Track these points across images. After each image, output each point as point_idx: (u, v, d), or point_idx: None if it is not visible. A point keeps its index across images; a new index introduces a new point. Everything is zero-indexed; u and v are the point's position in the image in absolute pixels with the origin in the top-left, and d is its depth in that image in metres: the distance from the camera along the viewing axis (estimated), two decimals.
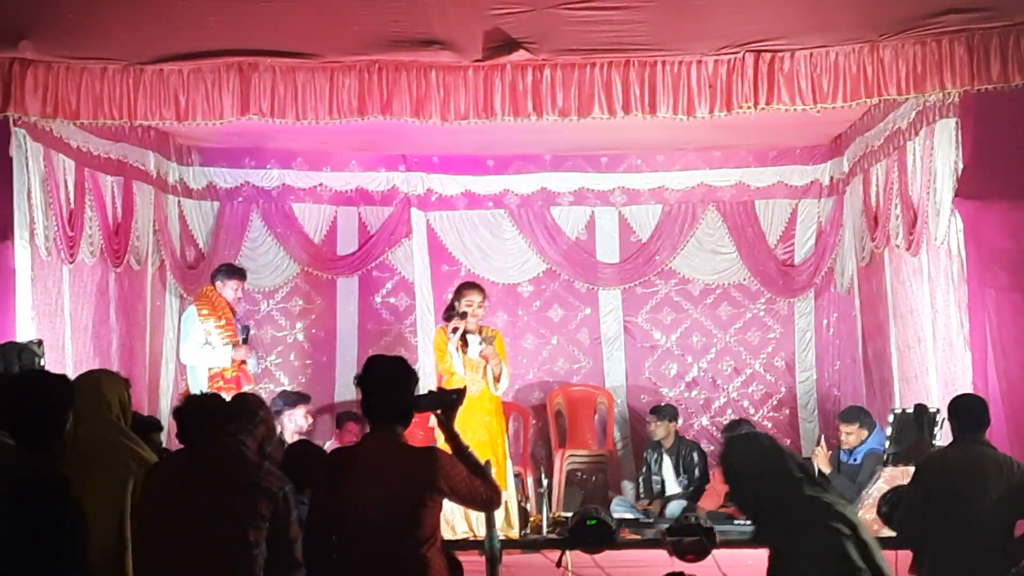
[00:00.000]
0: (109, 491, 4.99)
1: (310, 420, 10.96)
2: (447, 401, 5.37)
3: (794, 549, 4.67)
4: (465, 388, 5.77)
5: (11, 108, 8.45)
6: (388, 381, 5.16)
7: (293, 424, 10.77)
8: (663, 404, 11.68)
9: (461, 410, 9.70)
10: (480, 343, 9.61)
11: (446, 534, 9.15)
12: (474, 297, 9.71)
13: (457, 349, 9.60)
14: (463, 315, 9.64)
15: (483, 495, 5.15)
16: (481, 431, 9.55)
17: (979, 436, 6.93)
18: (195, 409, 5.04)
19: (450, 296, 10.01)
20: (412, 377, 5.23)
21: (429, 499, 4.97)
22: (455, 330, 9.60)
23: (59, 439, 4.48)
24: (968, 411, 6.99)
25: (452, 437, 5.29)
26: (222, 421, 4.75)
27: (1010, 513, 6.71)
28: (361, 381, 5.20)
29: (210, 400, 5.35)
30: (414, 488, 4.94)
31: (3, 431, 5.68)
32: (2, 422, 4.60)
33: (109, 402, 5.36)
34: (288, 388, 12.06)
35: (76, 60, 8.51)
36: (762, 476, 4.80)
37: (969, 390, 8.54)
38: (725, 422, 12.26)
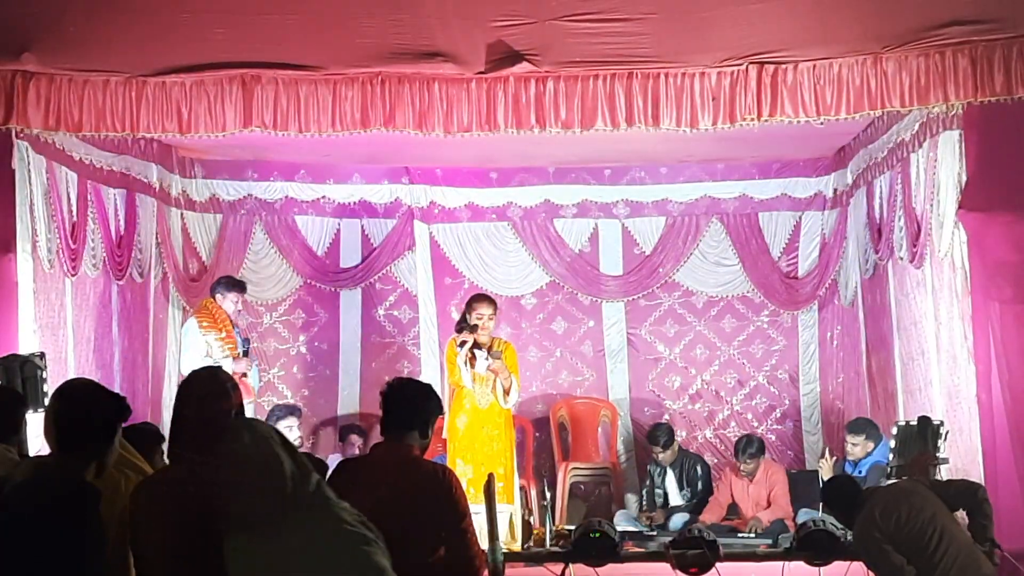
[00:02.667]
0: (113, 502, 4.96)
1: (298, 433, 10.90)
2: None
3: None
4: None
5: (14, 120, 8.42)
6: (412, 398, 5.16)
7: None
8: (656, 428, 11.46)
9: (469, 423, 9.77)
10: (487, 358, 9.60)
11: None
12: (484, 310, 9.70)
13: (466, 363, 9.60)
14: (473, 328, 9.63)
15: (474, 548, 5.08)
16: (489, 444, 9.55)
17: (868, 493, 7.27)
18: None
19: (454, 308, 10.00)
20: (436, 402, 5.22)
21: (438, 510, 4.95)
22: (463, 343, 9.60)
23: (106, 451, 4.46)
24: (842, 492, 7.39)
25: None
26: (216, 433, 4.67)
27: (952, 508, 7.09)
28: (385, 396, 5.19)
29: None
30: (425, 498, 4.92)
31: (7, 444, 5.67)
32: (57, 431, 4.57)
33: None
34: (287, 401, 12.05)
35: (79, 72, 8.49)
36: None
37: (973, 402, 8.55)
38: (729, 435, 12.25)
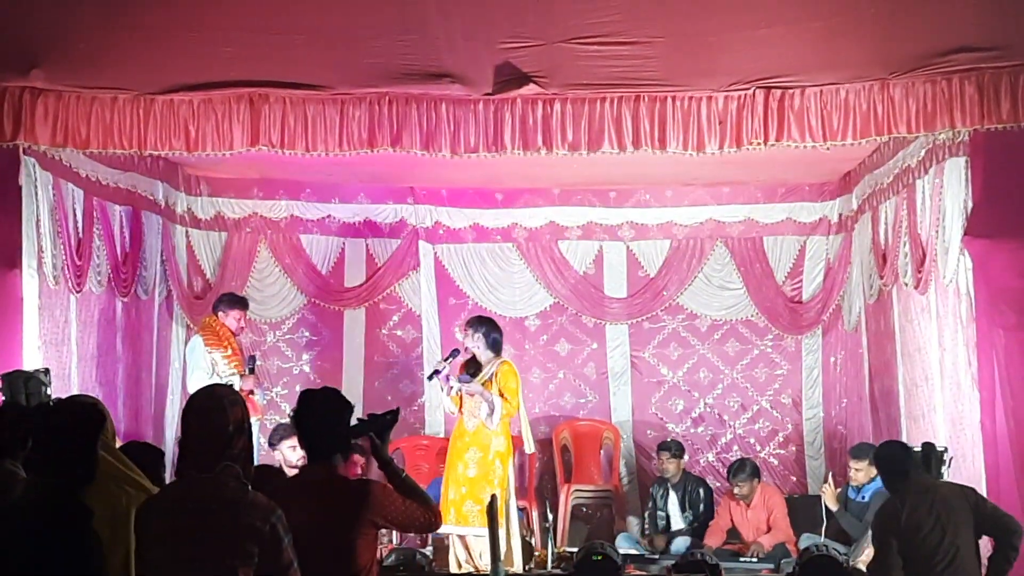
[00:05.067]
0: (114, 518, 4.95)
1: (300, 452, 10.85)
2: (381, 424, 5.34)
3: None
4: (398, 409, 5.67)
5: (21, 136, 8.45)
6: (323, 413, 5.19)
7: (281, 456, 10.73)
8: (669, 439, 11.62)
9: (454, 447, 9.75)
10: (459, 379, 9.66)
11: (451, 567, 9.16)
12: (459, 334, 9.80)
13: (442, 389, 9.73)
14: (454, 353, 9.77)
15: (420, 519, 5.22)
16: (471, 467, 9.51)
17: (916, 478, 7.11)
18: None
19: (458, 329, 10.04)
20: (347, 408, 5.24)
21: (361, 531, 5.02)
22: (437, 372, 9.71)
23: (89, 467, 4.47)
24: (891, 459, 7.25)
25: (386, 463, 5.29)
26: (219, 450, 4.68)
27: (977, 536, 6.99)
28: (296, 415, 5.23)
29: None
30: (345, 520, 4.99)
31: (11, 459, 5.67)
32: (32, 449, 4.59)
33: (107, 427, 5.33)
34: (289, 420, 12.03)
35: (86, 89, 8.52)
36: None
37: (976, 429, 8.53)
38: (731, 458, 12.22)
